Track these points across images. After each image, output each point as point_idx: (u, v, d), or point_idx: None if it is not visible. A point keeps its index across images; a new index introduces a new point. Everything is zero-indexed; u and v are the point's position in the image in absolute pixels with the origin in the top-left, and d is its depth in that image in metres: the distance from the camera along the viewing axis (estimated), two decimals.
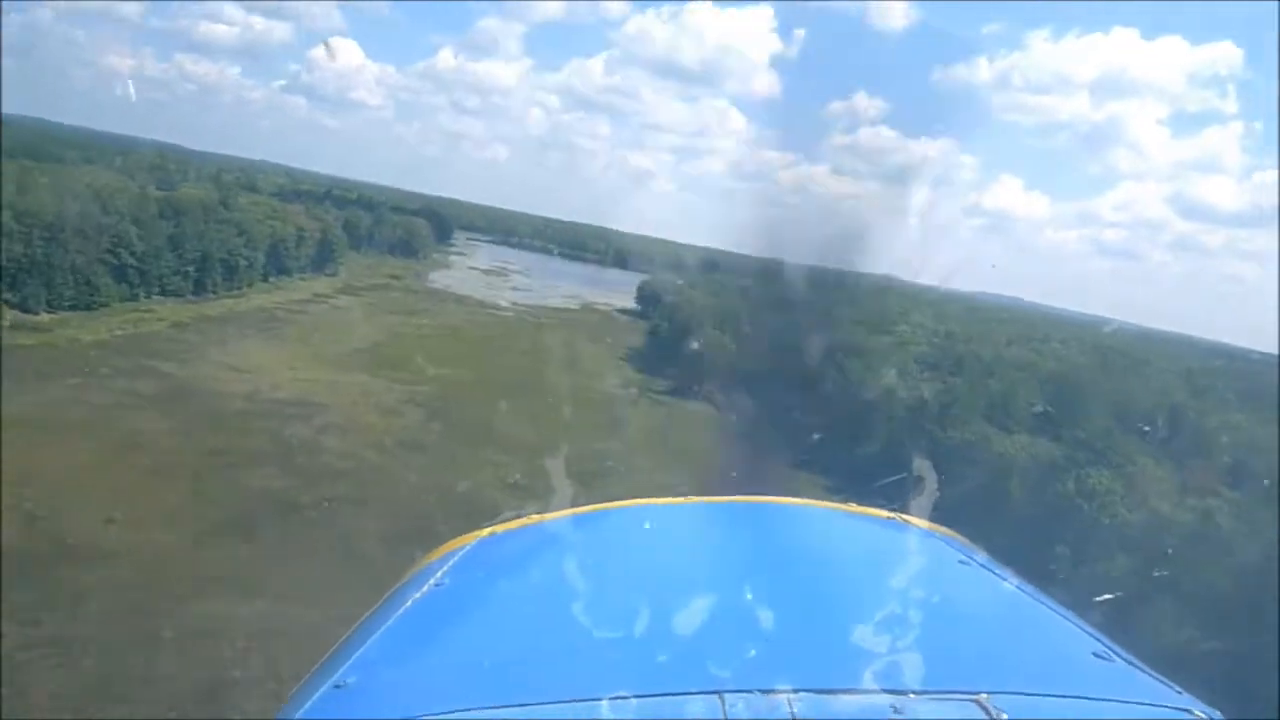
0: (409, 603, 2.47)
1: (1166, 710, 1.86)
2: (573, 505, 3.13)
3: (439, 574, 2.68)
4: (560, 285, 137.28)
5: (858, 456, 45.17)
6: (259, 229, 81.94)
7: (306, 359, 57.46)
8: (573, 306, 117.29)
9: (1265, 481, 35.26)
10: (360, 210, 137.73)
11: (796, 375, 67.88)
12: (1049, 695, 1.80)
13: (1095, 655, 2.18)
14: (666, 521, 3.24)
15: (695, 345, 70.86)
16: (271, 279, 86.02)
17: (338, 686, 1.97)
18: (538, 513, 3.17)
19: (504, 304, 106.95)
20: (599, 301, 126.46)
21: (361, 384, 53.39)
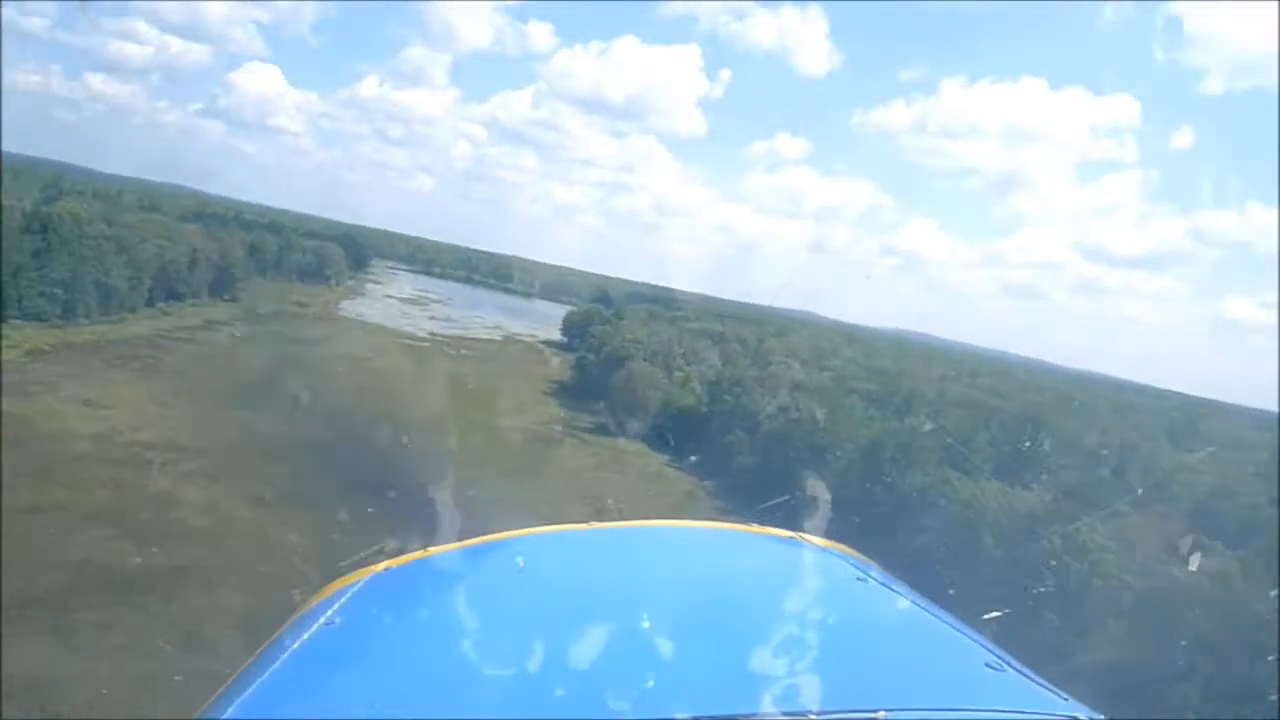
0: (296, 644, 2.33)
1: (1054, 716, 1.89)
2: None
3: (328, 613, 2.53)
4: (483, 315, 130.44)
5: (808, 500, 39.95)
6: (143, 249, 73.50)
7: (181, 393, 49.80)
8: (495, 337, 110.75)
9: (1262, 539, 31.45)
10: (268, 234, 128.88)
11: (734, 411, 62.97)
12: (944, 710, 1.80)
13: (988, 666, 2.17)
14: (561, 549, 3.13)
15: (625, 378, 65.25)
16: (160, 304, 77.44)
17: None
18: (428, 545, 3.01)
19: (420, 334, 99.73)
20: (523, 333, 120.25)
21: (243, 423, 46.03)
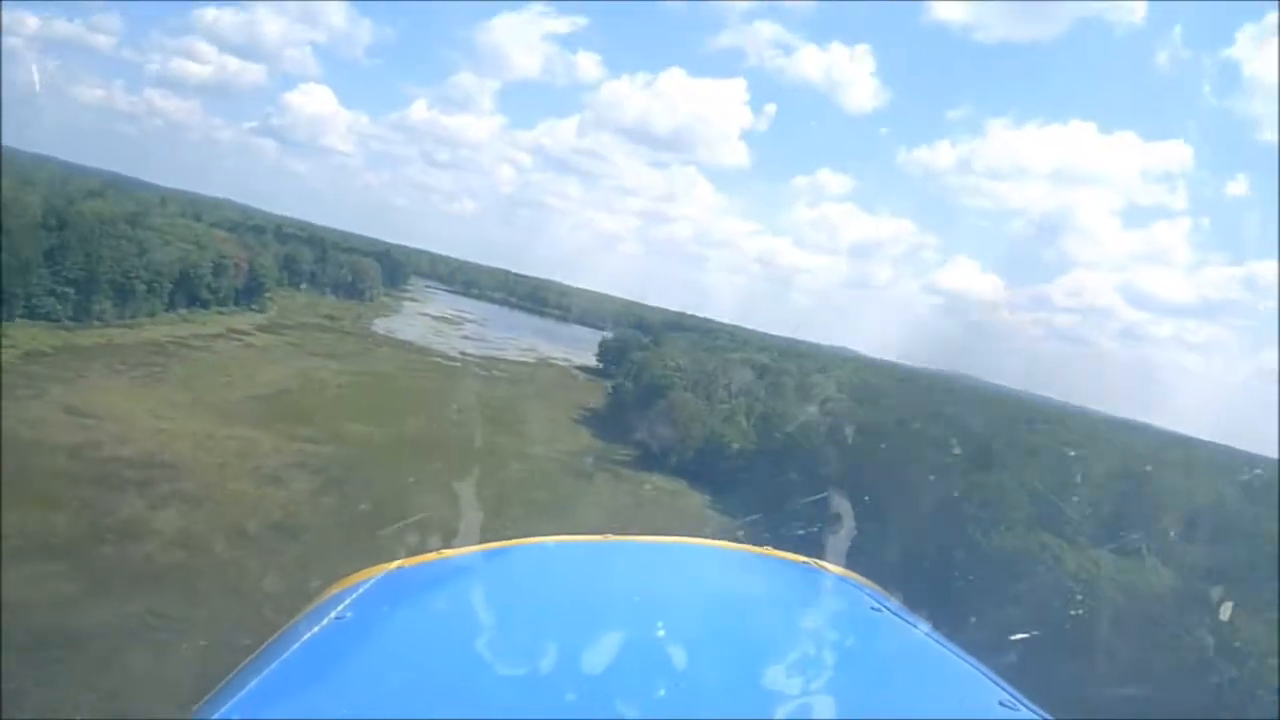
0: (306, 637, 2.30)
1: None
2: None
3: (340, 607, 2.50)
4: (517, 338, 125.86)
5: (882, 564, 33.88)
6: (167, 252, 69.74)
7: (182, 405, 45.16)
8: (528, 360, 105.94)
9: None
10: (305, 247, 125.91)
11: (785, 450, 56.98)
12: None
13: (1001, 704, 2.15)
14: (578, 559, 3.14)
15: (665, 409, 59.70)
16: (182, 310, 73.58)
17: None
18: (445, 547, 2.97)
19: (451, 353, 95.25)
20: (557, 356, 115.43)
21: (244, 440, 41.21)
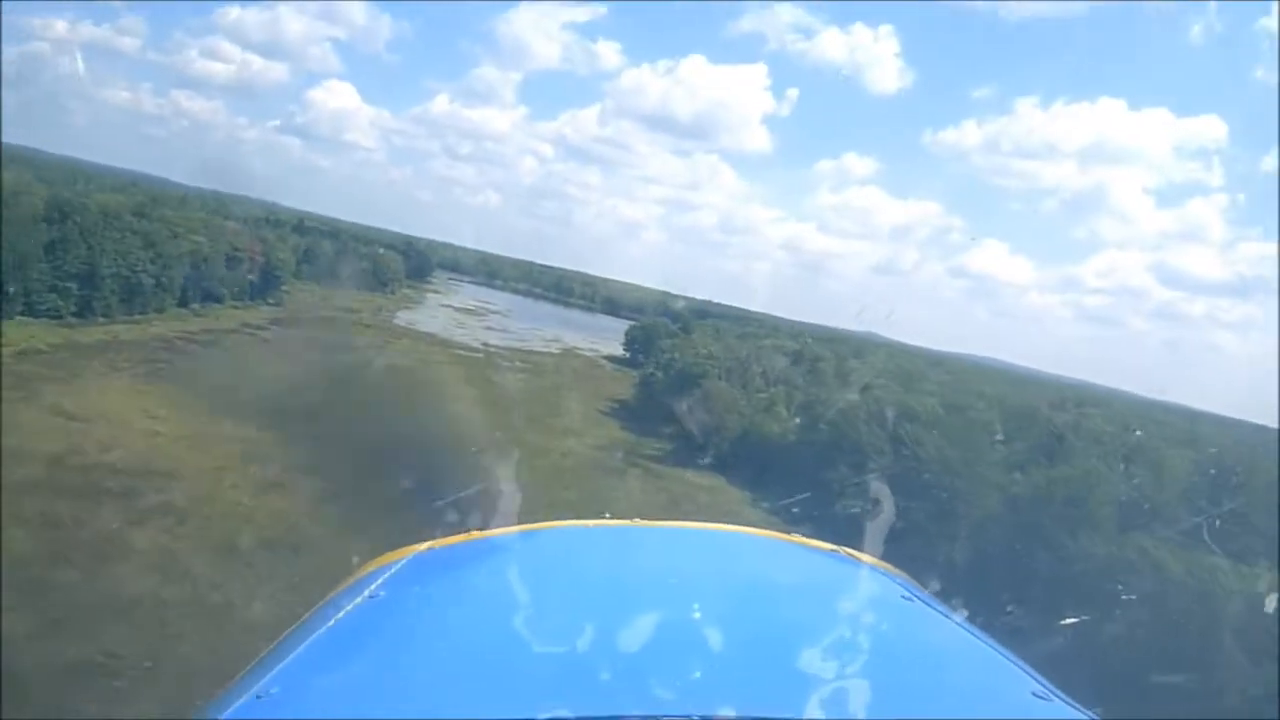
0: (341, 613, 2.33)
1: None
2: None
3: (374, 585, 2.52)
4: (541, 328, 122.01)
5: (954, 571, 29.59)
6: (176, 245, 66.57)
7: (180, 404, 41.75)
8: (553, 350, 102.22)
9: None
10: (324, 240, 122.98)
11: (832, 442, 52.51)
12: None
13: (1034, 695, 2.12)
14: (609, 542, 3.14)
15: (698, 399, 55.53)
16: (194, 304, 70.54)
17: (259, 697, 1.83)
18: (478, 528, 3.01)
19: (473, 344, 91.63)
20: (583, 346, 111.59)
21: (246, 442, 37.65)
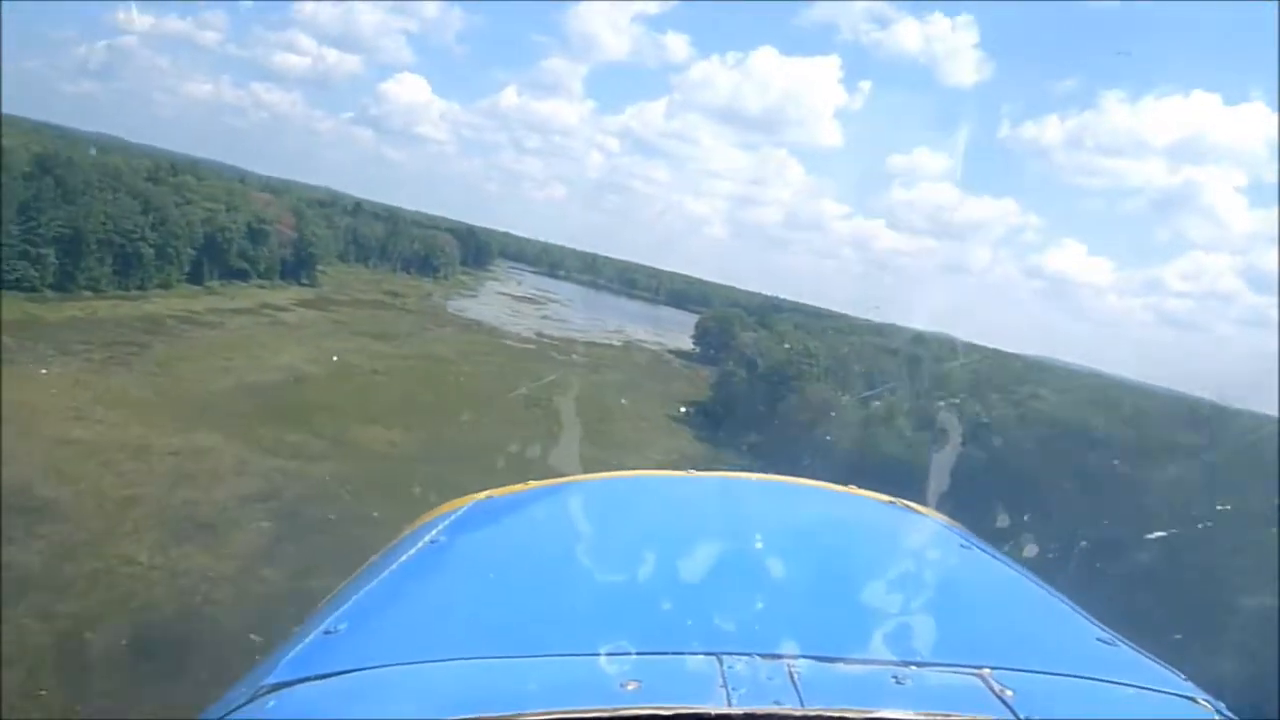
0: (404, 557, 2.37)
1: (1170, 695, 1.81)
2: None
3: (434, 532, 2.56)
4: (603, 318, 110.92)
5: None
6: (184, 213, 57.19)
7: (135, 401, 31.57)
8: (614, 343, 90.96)
9: None
10: (376, 221, 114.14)
11: (970, 461, 40.69)
12: (1053, 674, 1.73)
13: (1100, 640, 2.08)
14: (667, 491, 3.14)
15: (797, 406, 43.52)
16: (213, 281, 61.38)
17: (328, 633, 1.89)
18: (535, 479, 2.98)
19: (527, 334, 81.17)
20: (647, 339, 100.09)
21: (197, 454, 27.15)
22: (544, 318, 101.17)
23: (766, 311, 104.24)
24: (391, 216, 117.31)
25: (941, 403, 48.24)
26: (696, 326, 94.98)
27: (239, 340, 47.85)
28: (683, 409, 59.07)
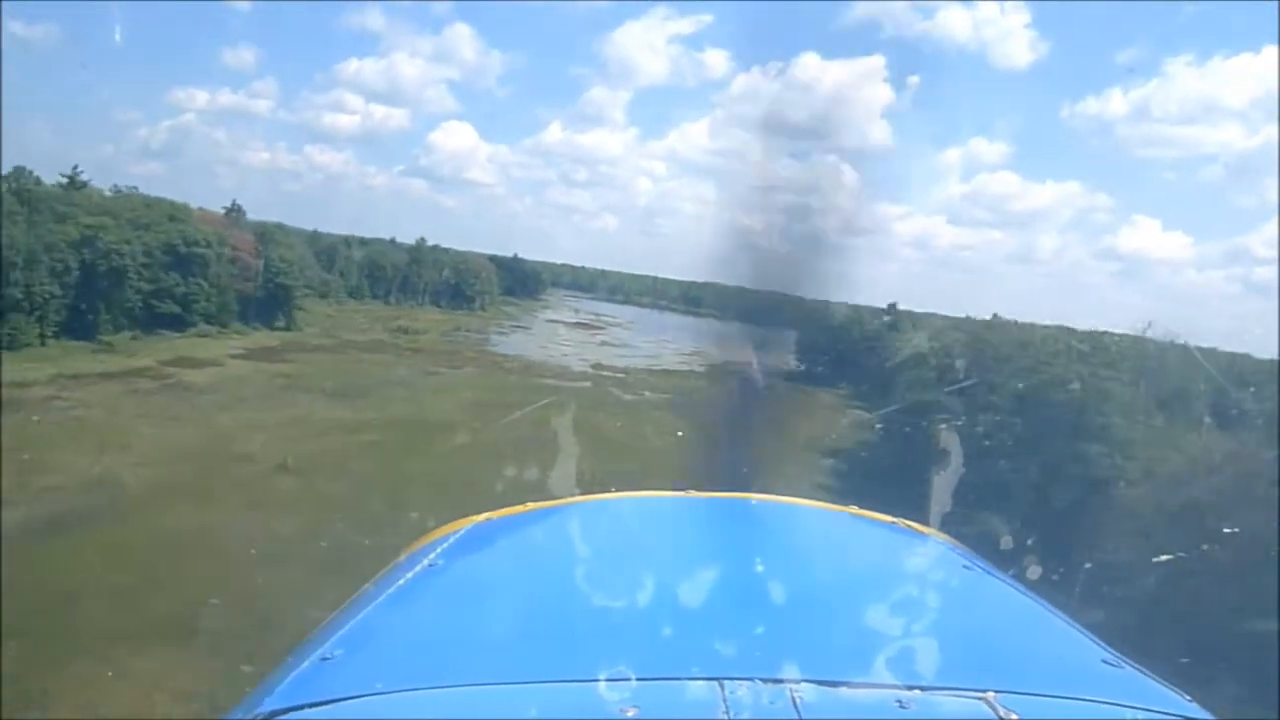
0: (401, 581, 2.31)
1: (1175, 718, 1.76)
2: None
3: (433, 555, 2.50)
4: (673, 339, 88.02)
5: None
6: (44, 231, 36.92)
7: None
8: (693, 368, 68.11)
9: None
10: (391, 251, 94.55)
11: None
12: (1058, 697, 1.69)
13: (1104, 662, 2.03)
14: (667, 513, 3.00)
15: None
16: (112, 332, 41.38)
17: (324, 659, 1.84)
18: (535, 501, 2.89)
19: (579, 367, 59.51)
20: (734, 359, 76.92)
21: None
22: (603, 344, 79.34)
23: (870, 318, 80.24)
24: (416, 246, 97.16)
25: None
26: (799, 342, 72.06)
27: (64, 428, 26.62)
28: (826, 465, 36.19)
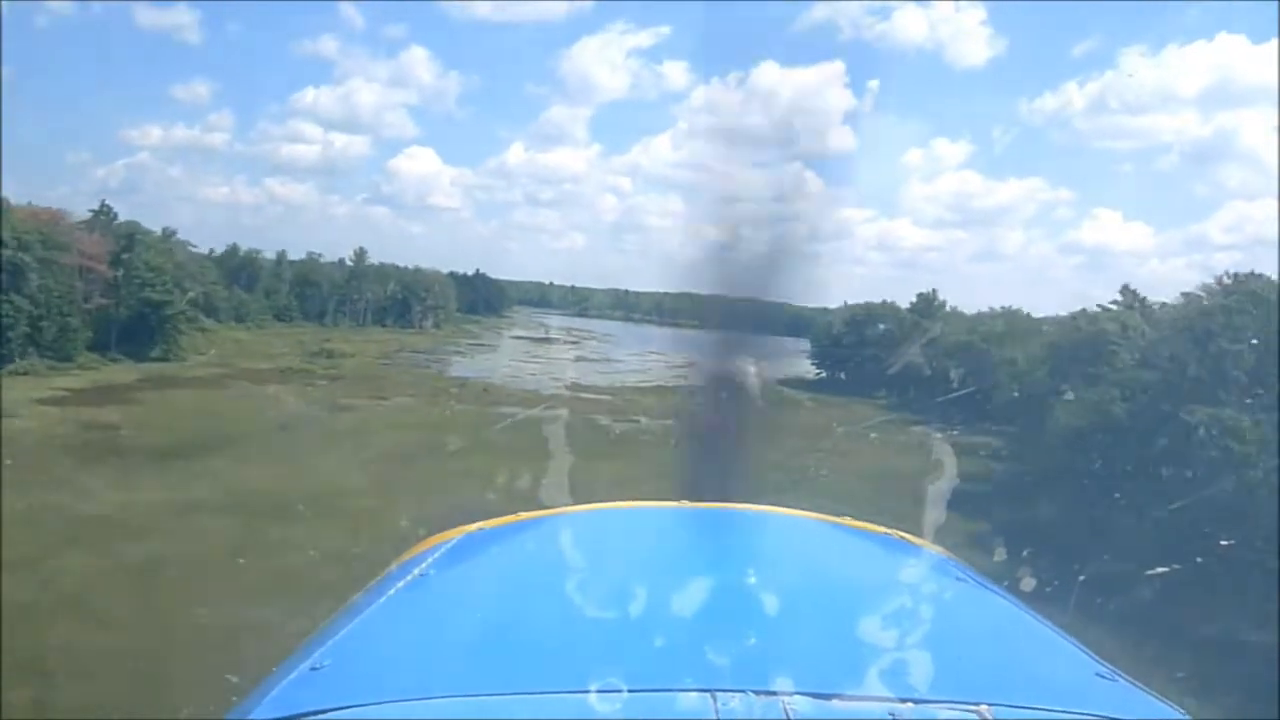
0: (392, 590, 2.27)
1: None
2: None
3: (423, 565, 2.45)
4: (659, 352, 75.30)
5: None
6: None
7: None
8: (692, 382, 55.10)
9: None
10: (330, 269, 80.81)
11: None
12: (1051, 710, 1.64)
13: (1098, 675, 1.99)
14: (660, 523, 2.94)
15: None
16: None
17: (314, 669, 1.80)
18: (525, 510, 2.85)
19: (553, 389, 46.60)
20: (731, 370, 64.12)
21: None
22: (579, 360, 66.47)
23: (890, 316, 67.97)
24: (356, 261, 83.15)
25: None
26: (816, 342, 59.41)
27: None
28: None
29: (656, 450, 29.26)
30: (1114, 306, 39.65)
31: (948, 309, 57.45)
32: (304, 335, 63.06)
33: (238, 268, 72.36)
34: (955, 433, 36.96)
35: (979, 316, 53.69)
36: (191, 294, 49.77)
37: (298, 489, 19.89)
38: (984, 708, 1.53)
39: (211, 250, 74.78)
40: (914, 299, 60.43)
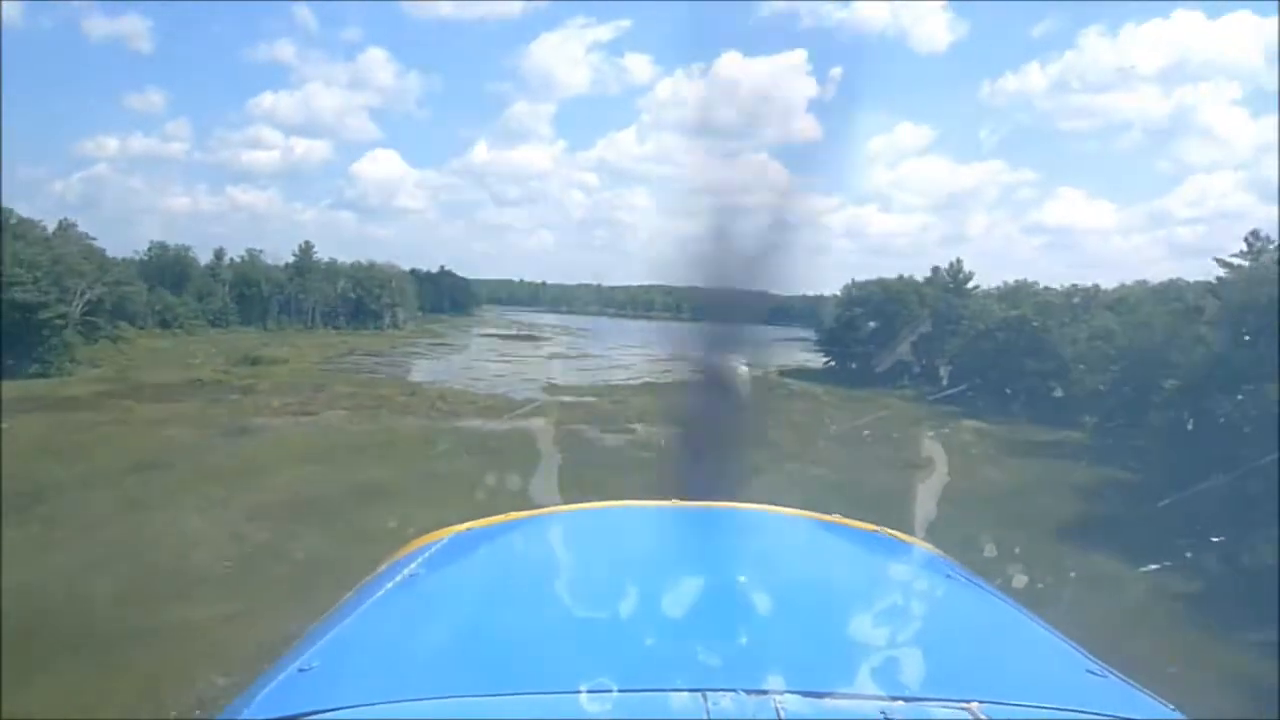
0: (381, 591, 2.23)
1: None
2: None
3: (412, 565, 2.40)
4: (639, 345, 67.72)
5: None
6: None
7: None
8: (685, 377, 47.51)
9: None
10: (271, 269, 72.25)
11: None
12: (1042, 706, 1.62)
13: (1089, 672, 1.95)
14: (650, 522, 2.90)
15: None
16: None
17: (302, 670, 1.76)
18: (514, 510, 2.78)
19: (526, 392, 39.01)
20: (727, 363, 56.61)
21: None
22: (553, 357, 58.94)
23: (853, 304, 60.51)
24: (300, 258, 74.47)
25: None
26: (824, 330, 52.28)
27: None
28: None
29: (665, 476, 22.06)
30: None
31: (970, 286, 50.65)
32: (241, 341, 54.85)
33: (164, 267, 64.07)
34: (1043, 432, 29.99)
35: (1019, 288, 46.77)
36: (88, 296, 41.57)
37: (83, 590, 12.09)
38: (974, 704, 1.51)
39: (137, 252, 67.10)
40: (929, 273, 53.62)
